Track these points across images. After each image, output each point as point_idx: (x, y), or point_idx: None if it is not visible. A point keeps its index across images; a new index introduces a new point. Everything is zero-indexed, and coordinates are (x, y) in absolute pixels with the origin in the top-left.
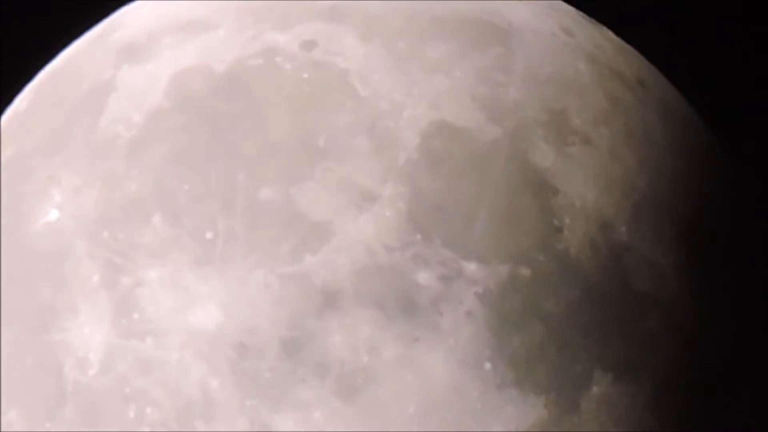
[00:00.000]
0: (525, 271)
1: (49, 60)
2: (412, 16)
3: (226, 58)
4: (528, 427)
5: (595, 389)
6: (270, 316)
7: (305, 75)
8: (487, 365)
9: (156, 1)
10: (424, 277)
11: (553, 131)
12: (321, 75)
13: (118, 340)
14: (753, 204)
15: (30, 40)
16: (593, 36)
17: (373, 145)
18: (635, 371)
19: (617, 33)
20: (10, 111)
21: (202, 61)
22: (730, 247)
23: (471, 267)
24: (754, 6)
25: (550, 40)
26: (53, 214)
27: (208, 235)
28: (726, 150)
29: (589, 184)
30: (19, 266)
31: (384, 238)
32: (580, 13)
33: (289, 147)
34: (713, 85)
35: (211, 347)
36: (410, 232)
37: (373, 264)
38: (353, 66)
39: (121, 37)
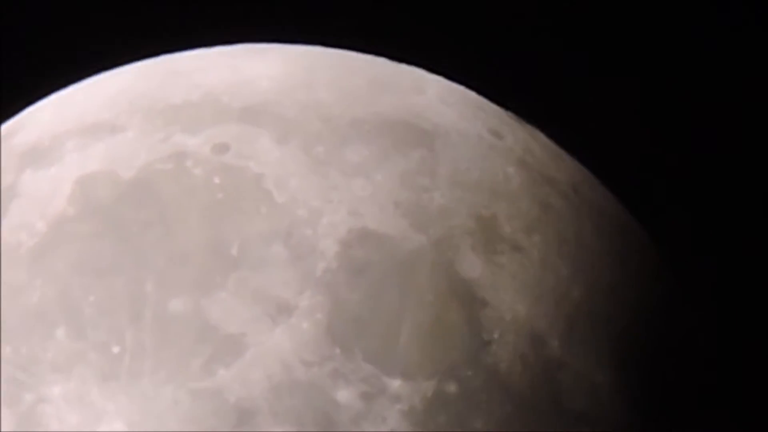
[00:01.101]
0: (452, 387)
1: None
2: (331, 119)
3: (134, 163)
4: None
5: None
6: None
7: (217, 180)
8: None
9: (61, 100)
10: (344, 395)
11: (482, 239)
12: (234, 180)
13: None
14: (694, 315)
15: None
16: (523, 138)
17: (290, 254)
18: None
19: (550, 136)
20: None
21: (108, 166)
22: (669, 363)
23: (394, 383)
24: (697, 105)
25: (477, 143)
26: None
27: (115, 348)
28: (666, 257)
29: (520, 296)
30: None
31: (301, 352)
32: (509, 113)
33: (201, 256)
34: (652, 189)
35: None
36: (329, 345)
37: (290, 380)
38: (268, 170)
39: (24, 139)
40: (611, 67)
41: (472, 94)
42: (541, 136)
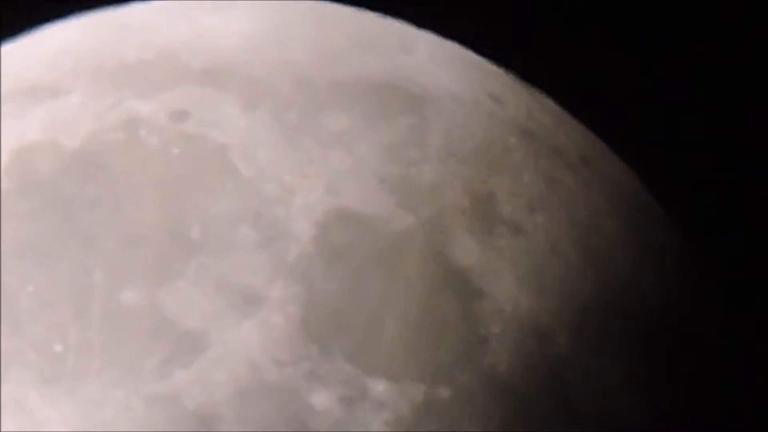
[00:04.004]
0: (444, 392)
1: None
2: (306, 81)
3: (80, 131)
4: None
5: None
6: None
7: (175, 151)
8: None
9: None
10: (321, 399)
11: (478, 220)
12: (194, 151)
13: None
14: (720, 307)
15: None
16: (527, 103)
17: (259, 237)
18: None
19: (557, 100)
20: None
21: (50, 135)
22: (694, 363)
23: (379, 386)
24: (717, 70)
25: (474, 109)
26: None
27: (57, 347)
28: (688, 240)
29: (522, 286)
30: None
31: (272, 350)
32: (511, 75)
33: (156, 239)
34: (673, 162)
35: None
36: (304, 342)
37: (259, 382)
38: (234, 140)
39: None
40: (627, 18)
41: (467, 53)
42: (547, 101)
